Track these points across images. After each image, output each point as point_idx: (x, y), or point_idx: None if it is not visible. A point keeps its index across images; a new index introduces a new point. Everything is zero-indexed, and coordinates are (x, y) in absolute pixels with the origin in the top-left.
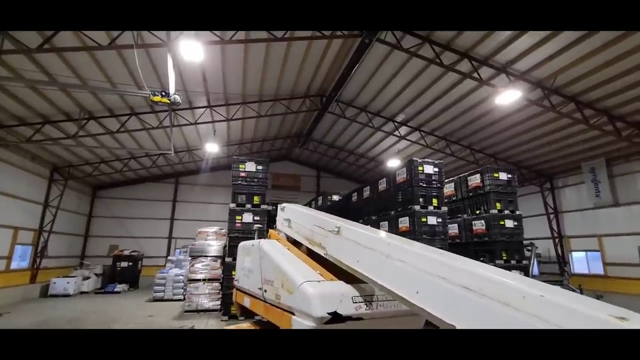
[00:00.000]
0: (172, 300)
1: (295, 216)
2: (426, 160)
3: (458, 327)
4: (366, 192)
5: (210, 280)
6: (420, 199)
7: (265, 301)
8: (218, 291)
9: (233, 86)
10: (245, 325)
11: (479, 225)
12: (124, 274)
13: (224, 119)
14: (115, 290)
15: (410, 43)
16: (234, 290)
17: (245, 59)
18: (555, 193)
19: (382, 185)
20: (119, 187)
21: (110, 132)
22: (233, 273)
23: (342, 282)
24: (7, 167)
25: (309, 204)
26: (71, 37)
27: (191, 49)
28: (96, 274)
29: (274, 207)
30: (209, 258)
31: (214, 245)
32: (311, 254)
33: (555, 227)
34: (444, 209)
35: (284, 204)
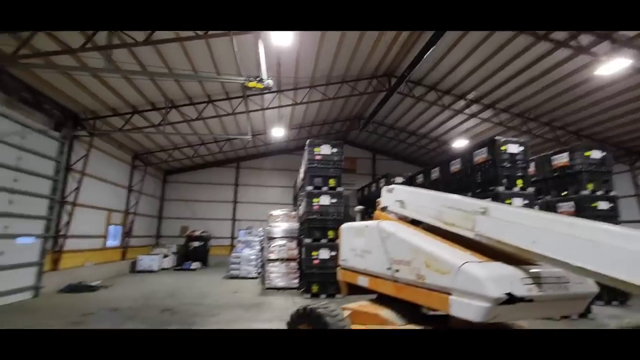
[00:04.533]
0: (246, 278)
1: (410, 197)
2: (510, 139)
3: None
4: (434, 173)
5: (288, 260)
6: (504, 180)
7: (396, 281)
8: (295, 270)
9: (304, 70)
10: (365, 304)
11: (566, 208)
12: (196, 252)
13: (292, 103)
14: (191, 267)
15: None
16: (339, 269)
17: (321, 41)
18: None
19: (455, 165)
20: (186, 172)
21: (188, 119)
22: (313, 253)
23: (502, 263)
24: (101, 154)
25: (368, 187)
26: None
27: (281, 34)
28: (173, 253)
29: None
30: (285, 239)
31: (287, 227)
32: (433, 234)
33: None
34: (531, 189)
35: (392, 186)
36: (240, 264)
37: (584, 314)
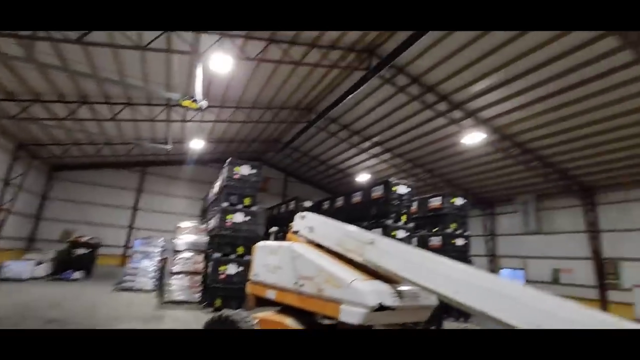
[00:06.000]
0: (140, 290)
1: (319, 225)
2: (400, 181)
3: (489, 312)
4: (339, 201)
5: (192, 273)
6: (392, 215)
7: (300, 293)
8: (198, 284)
9: (233, 92)
10: (271, 314)
11: (435, 241)
12: (80, 261)
13: (215, 120)
14: (72, 277)
15: (403, 82)
16: (249, 284)
17: (254, 72)
18: (494, 218)
19: (357, 197)
20: (80, 170)
21: (101, 119)
22: (221, 268)
23: (379, 281)
24: None
25: (278, 207)
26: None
27: (221, 62)
28: (50, 259)
29: None
30: (191, 252)
31: (195, 240)
32: (333, 256)
33: (491, 247)
34: (411, 224)
35: (304, 213)
36: (137, 275)
37: (438, 326)
